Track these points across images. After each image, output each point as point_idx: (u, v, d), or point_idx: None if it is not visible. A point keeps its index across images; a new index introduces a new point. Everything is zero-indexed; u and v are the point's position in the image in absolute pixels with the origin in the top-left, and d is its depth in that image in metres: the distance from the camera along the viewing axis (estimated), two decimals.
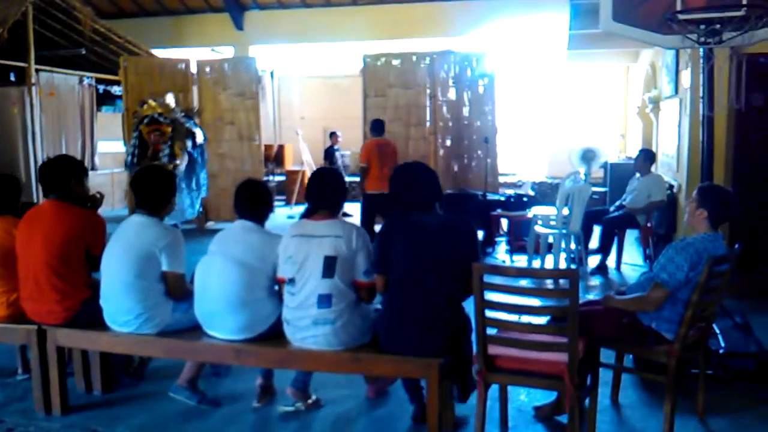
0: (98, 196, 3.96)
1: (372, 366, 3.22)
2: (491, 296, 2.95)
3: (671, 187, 7.33)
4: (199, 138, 8.20)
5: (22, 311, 3.64)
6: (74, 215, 3.56)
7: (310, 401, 3.60)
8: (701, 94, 4.67)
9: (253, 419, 3.56)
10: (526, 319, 3.08)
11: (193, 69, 10.33)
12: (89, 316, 3.53)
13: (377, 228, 7.64)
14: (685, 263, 3.10)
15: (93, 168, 12.08)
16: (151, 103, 7.98)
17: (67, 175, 3.66)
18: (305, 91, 16.16)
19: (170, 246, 3.44)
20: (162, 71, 10.28)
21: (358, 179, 8.27)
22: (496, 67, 9.88)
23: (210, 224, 10.17)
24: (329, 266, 3.12)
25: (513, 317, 3.01)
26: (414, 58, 10.03)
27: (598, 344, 3.33)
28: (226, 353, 3.38)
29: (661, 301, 3.15)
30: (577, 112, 13.96)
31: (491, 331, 2.99)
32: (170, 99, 8.33)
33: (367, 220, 7.90)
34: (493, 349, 2.99)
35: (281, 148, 14.35)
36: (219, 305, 3.30)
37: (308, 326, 3.15)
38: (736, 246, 3.38)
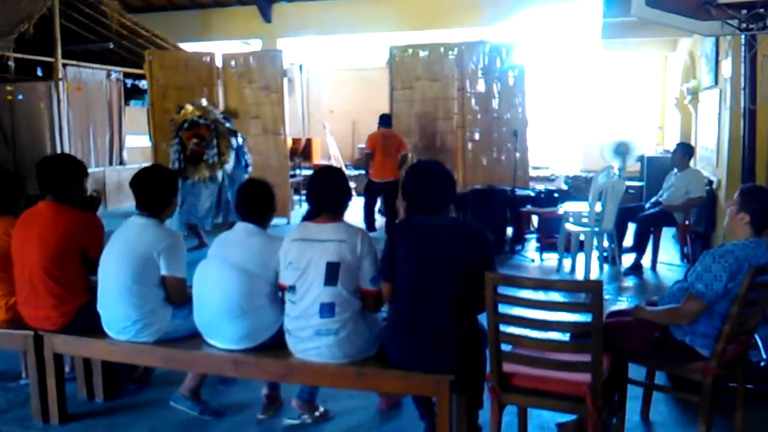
0: (95, 195, 3.82)
1: (378, 382, 2.99)
2: (507, 309, 2.71)
3: (710, 182, 6.98)
4: (240, 138, 8.13)
5: (21, 315, 3.51)
6: (70, 217, 3.40)
7: (317, 413, 3.41)
8: (743, 85, 4.43)
9: None
10: (544, 335, 2.81)
11: (219, 62, 10.20)
12: (88, 321, 3.38)
13: (376, 213, 8.79)
14: (724, 273, 2.81)
15: (121, 162, 12.11)
16: (188, 108, 7.84)
17: (68, 176, 3.50)
18: (334, 84, 15.97)
19: (170, 249, 3.28)
20: (187, 65, 10.16)
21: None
22: (527, 57, 9.54)
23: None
24: (332, 273, 2.89)
25: (530, 332, 2.75)
26: (442, 49, 9.75)
27: (626, 359, 3.07)
28: (225, 364, 3.19)
29: (696, 314, 2.87)
30: (613, 104, 13.53)
31: (506, 347, 2.75)
32: (204, 102, 8.27)
33: (367, 202, 8.71)
34: (509, 367, 2.75)
35: (309, 141, 14.22)
36: (217, 313, 3.12)
37: (310, 337, 2.94)
38: None
